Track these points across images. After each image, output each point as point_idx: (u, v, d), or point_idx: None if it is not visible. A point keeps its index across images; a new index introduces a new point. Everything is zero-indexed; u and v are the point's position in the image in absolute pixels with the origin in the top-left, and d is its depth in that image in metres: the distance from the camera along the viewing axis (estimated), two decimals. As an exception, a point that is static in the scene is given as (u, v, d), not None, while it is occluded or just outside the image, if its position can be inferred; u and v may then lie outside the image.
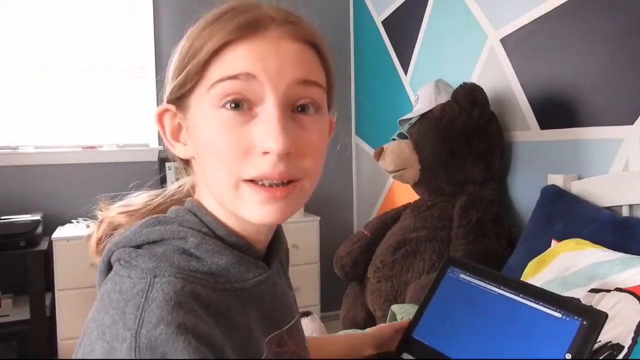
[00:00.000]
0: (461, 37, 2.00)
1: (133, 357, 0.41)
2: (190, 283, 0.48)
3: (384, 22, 2.58)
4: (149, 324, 0.43)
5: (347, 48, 2.91)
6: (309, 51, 0.55)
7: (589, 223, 1.31)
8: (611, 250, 1.14)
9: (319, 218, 2.51)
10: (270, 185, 0.50)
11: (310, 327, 1.31)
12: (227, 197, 0.52)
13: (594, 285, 1.03)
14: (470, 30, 1.93)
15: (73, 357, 0.47)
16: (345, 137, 2.94)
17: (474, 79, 1.91)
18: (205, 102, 0.51)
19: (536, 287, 0.80)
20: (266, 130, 0.49)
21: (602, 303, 0.96)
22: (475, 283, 0.85)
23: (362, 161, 2.86)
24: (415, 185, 1.86)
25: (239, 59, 0.50)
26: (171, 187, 0.66)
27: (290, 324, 0.61)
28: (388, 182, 2.57)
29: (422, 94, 1.86)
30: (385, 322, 1.43)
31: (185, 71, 0.53)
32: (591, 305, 0.73)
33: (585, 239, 1.22)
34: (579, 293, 1.03)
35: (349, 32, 2.91)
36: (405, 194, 2.17)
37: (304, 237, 2.47)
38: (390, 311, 1.42)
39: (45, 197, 2.35)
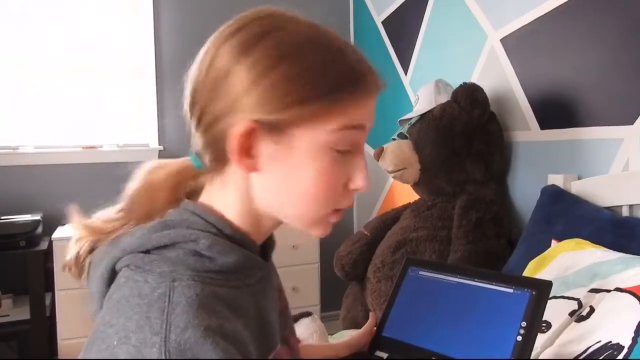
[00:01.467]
0: (461, 37, 2.00)
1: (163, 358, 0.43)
2: (208, 285, 0.50)
3: (384, 22, 2.58)
4: (177, 328, 0.45)
5: (347, 48, 2.91)
6: None
7: (589, 223, 1.31)
8: (611, 250, 1.14)
9: (319, 218, 2.51)
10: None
11: (310, 327, 1.31)
12: (305, 222, 0.58)
13: (594, 285, 1.03)
14: (470, 30, 1.93)
15: None
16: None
17: (474, 79, 1.91)
18: (319, 140, 0.53)
19: (487, 270, 0.90)
20: (363, 175, 0.57)
21: (602, 303, 0.96)
22: (434, 277, 0.92)
23: (362, 161, 2.86)
24: (415, 185, 1.86)
25: (365, 111, 0.55)
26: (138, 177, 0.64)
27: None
28: (388, 182, 2.57)
29: (422, 94, 1.86)
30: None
31: (307, 106, 0.52)
32: (536, 278, 0.84)
33: (585, 239, 1.22)
34: (579, 293, 1.03)
35: (349, 32, 2.91)
36: (405, 194, 2.17)
37: (304, 237, 2.46)
38: None
39: (45, 197, 2.35)
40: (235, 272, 0.55)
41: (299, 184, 0.54)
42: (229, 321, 0.48)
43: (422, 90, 1.88)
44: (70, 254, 0.60)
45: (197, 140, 0.58)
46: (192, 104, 0.57)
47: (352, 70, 0.54)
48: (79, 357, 0.49)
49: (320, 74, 0.52)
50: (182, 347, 0.44)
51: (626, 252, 1.11)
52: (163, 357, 0.43)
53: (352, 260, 1.89)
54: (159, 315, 0.46)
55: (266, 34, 0.54)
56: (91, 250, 0.59)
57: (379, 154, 1.82)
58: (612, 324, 0.90)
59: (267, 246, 0.65)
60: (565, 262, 1.17)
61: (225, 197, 0.58)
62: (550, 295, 0.80)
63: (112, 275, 0.54)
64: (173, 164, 0.63)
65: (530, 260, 1.31)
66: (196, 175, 0.62)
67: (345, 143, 0.54)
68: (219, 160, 0.56)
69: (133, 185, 0.61)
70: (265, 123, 0.52)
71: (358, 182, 0.57)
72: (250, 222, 0.58)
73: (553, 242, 1.32)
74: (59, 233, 2.14)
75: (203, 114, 0.55)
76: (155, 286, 0.49)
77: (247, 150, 0.54)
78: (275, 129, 0.52)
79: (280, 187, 0.55)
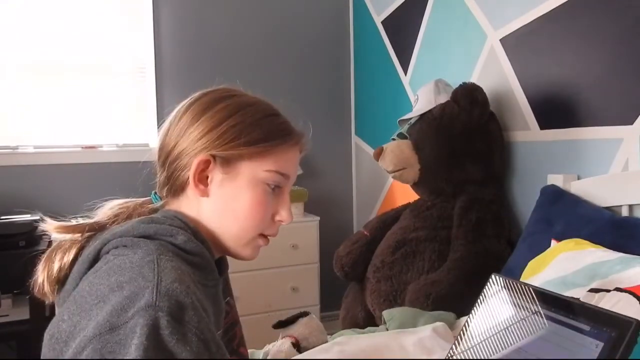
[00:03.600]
0: (461, 37, 2.00)
1: (154, 298, 0.52)
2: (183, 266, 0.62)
3: (384, 22, 2.58)
4: (166, 279, 0.56)
5: (347, 48, 2.91)
6: None
7: (589, 223, 1.31)
8: (611, 250, 1.14)
9: (318, 218, 2.51)
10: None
11: (308, 326, 1.31)
12: (239, 241, 0.73)
13: (594, 285, 1.03)
14: (470, 30, 1.93)
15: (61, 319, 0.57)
16: (344, 137, 2.94)
17: (474, 79, 1.91)
18: (256, 176, 0.71)
19: (569, 299, 0.77)
20: (287, 210, 0.75)
21: (602, 303, 0.96)
22: (509, 299, 0.83)
23: (362, 161, 2.86)
24: (415, 185, 1.86)
25: (288, 162, 0.73)
26: (129, 202, 0.78)
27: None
28: (388, 182, 2.57)
29: (421, 94, 1.86)
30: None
31: (249, 147, 0.70)
32: (620, 315, 0.67)
33: (585, 239, 1.22)
34: (579, 293, 1.03)
35: (349, 32, 2.91)
36: (405, 194, 2.17)
37: (303, 237, 2.46)
38: (382, 315, 1.43)
39: (45, 197, 2.35)
40: (200, 269, 0.66)
41: (238, 207, 0.71)
42: (199, 298, 0.59)
43: (421, 90, 1.87)
44: (41, 276, 0.68)
45: (160, 178, 0.75)
46: (161, 148, 0.74)
47: (282, 128, 0.73)
48: (58, 317, 0.58)
49: (259, 127, 0.71)
50: (171, 293, 0.54)
51: (626, 252, 1.11)
52: (154, 296, 0.53)
53: (352, 260, 1.89)
54: (151, 271, 0.56)
55: (221, 99, 0.73)
56: (75, 259, 0.68)
57: (378, 154, 1.82)
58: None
59: (220, 264, 0.77)
60: (565, 262, 1.17)
61: (191, 217, 0.72)
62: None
63: (97, 257, 0.64)
64: (136, 200, 0.78)
65: (530, 260, 1.31)
66: (152, 209, 0.76)
67: (275, 182, 0.72)
68: (177, 188, 0.73)
69: (107, 207, 0.76)
70: (218, 157, 0.70)
71: (283, 215, 0.74)
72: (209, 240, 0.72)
73: (553, 242, 1.32)
74: (58, 233, 2.14)
75: (170, 154, 0.72)
76: (144, 256, 0.60)
77: (203, 178, 0.71)
78: (225, 162, 0.70)
79: (224, 209, 0.71)
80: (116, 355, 0.50)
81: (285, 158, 0.73)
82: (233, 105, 0.72)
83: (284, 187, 0.74)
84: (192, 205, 0.72)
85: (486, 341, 0.81)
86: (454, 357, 0.85)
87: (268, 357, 1.22)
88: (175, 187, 0.73)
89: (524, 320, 0.78)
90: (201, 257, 0.67)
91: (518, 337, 0.77)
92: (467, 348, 0.83)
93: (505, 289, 0.85)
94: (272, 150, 0.71)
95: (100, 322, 0.52)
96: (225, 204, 0.71)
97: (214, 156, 0.70)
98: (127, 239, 0.64)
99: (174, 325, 0.52)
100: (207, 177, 0.71)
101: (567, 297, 0.79)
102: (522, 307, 0.80)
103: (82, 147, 2.42)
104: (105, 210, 0.76)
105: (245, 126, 0.70)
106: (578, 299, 1.01)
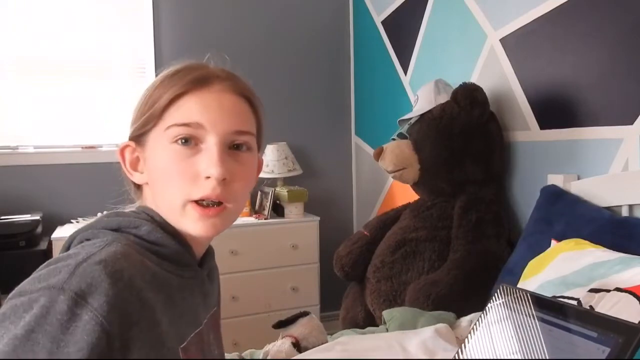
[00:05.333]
0: (461, 37, 2.00)
1: (64, 279, 0.51)
2: (141, 255, 0.60)
3: (384, 22, 2.58)
4: (94, 259, 0.54)
5: (347, 48, 2.91)
6: (244, 103, 0.70)
7: (589, 223, 1.31)
8: (611, 250, 1.14)
9: (318, 218, 2.51)
10: (207, 206, 0.64)
11: (308, 326, 1.31)
12: (175, 214, 0.65)
13: (593, 285, 1.03)
14: (470, 30, 1.93)
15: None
16: (344, 137, 2.94)
17: (474, 79, 1.91)
18: (162, 139, 0.66)
19: (574, 306, 0.78)
20: (209, 161, 0.64)
21: (602, 303, 0.96)
22: (516, 308, 0.83)
23: (362, 161, 2.86)
24: (415, 185, 1.86)
25: (190, 109, 0.65)
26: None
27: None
28: (388, 182, 2.57)
29: (421, 94, 1.86)
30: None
31: (145, 116, 0.67)
32: (626, 321, 0.69)
33: (585, 239, 1.22)
34: (579, 293, 1.03)
35: (349, 32, 2.91)
36: (405, 194, 2.17)
37: (303, 237, 2.47)
38: (382, 316, 1.43)
39: (45, 197, 2.35)
40: (170, 260, 0.64)
41: (157, 176, 0.67)
42: (144, 280, 0.57)
43: (421, 90, 1.87)
44: None
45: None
46: None
47: (172, 86, 0.67)
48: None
49: (152, 95, 0.68)
50: (87, 274, 0.52)
51: (626, 252, 1.11)
52: (65, 278, 0.52)
53: (352, 260, 1.89)
54: (86, 252, 0.56)
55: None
56: None
57: (378, 154, 1.82)
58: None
59: (204, 262, 0.74)
60: (565, 262, 1.17)
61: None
62: (550, 296, 0.79)
63: (68, 246, 0.64)
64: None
65: (530, 260, 1.31)
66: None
67: (181, 135, 0.64)
68: (135, 188, 0.74)
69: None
70: (132, 138, 0.70)
71: (205, 168, 0.64)
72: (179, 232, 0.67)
73: (553, 242, 1.32)
74: (58, 233, 2.14)
75: None
76: (97, 242, 0.59)
77: (134, 165, 0.70)
78: (137, 140, 0.69)
79: (152, 185, 0.68)
80: (10, 321, 0.50)
81: (185, 108, 0.65)
82: (146, 88, 0.70)
83: (203, 138, 0.65)
84: (147, 195, 0.71)
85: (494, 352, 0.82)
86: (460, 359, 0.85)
87: (268, 357, 1.22)
88: (134, 187, 0.73)
89: (530, 329, 0.79)
90: (168, 247, 0.64)
91: (526, 345, 0.78)
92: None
93: (511, 299, 0.85)
94: (167, 109, 0.66)
95: (20, 285, 0.54)
96: (151, 180, 0.68)
97: (130, 138, 0.70)
98: (90, 232, 0.63)
99: (70, 306, 0.50)
100: (138, 163, 0.70)
101: (573, 305, 0.79)
102: (529, 315, 0.80)
103: (82, 147, 2.42)
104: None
105: (141, 102, 0.69)
106: (579, 299, 1.01)
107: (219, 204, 0.65)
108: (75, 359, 0.48)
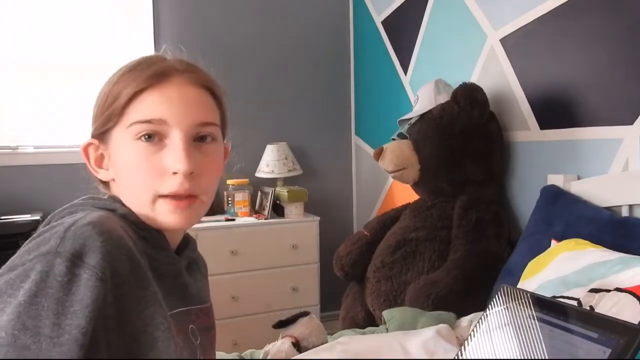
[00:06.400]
0: (461, 37, 2.00)
1: (57, 243, 0.52)
2: (122, 223, 0.61)
3: (384, 22, 2.58)
4: (82, 222, 0.55)
5: (347, 48, 2.91)
6: (206, 94, 0.70)
7: (589, 223, 1.31)
8: (611, 250, 1.14)
9: (318, 218, 2.51)
10: (179, 198, 0.65)
11: (308, 326, 1.31)
12: (145, 209, 0.65)
13: (593, 285, 1.03)
14: (470, 30, 1.93)
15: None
16: (344, 137, 2.94)
17: (474, 79, 1.91)
18: (125, 136, 0.65)
19: (575, 307, 0.78)
20: (175, 156, 0.64)
21: (602, 303, 0.96)
22: (517, 309, 0.83)
23: (362, 161, 2.86)
24: (415, 185, 1.86)
25: (151, 105, 0.65)
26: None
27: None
28: (388, 182, 2.57)
29: (421, 94, 1.86)
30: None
31: (107, 113, 0.66)
32: (627, 322, 0.69)
33: (585, 239, 1.22)
34: (579, 293, 1.03)
35: (349, 32, 2.91)
36: (405, 194, 2.17)
37: (303, 237, 2.46)
38: (382, 316, 1.43)
39: (45, 197, 2.35)
40: (148, 242, 0.64)
41: (123, 173, 0.67)
42: (131, 242, 0.59)
43: (421, 90, 1.88)
44: None
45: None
46: None
47: (128, 84, 0.66)
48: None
49: (111, 93, 0.67)
50: (78, 235, 0.53)
51: (626, 252, 1.11)
52: (57, 243, 0.52)
53: (352, 260, 1.89)
54: (72, 220, 0.56)
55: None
56: None
57: (378, 154, 1.82)
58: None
59: (181, 251, 0.74)
60: (565, 262, 1.17)
61: None
62: (550, 296, 0.79)
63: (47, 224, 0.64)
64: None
65: (530, 260, 1.31)
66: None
67: (143, 132, 0.64)
68: (102, 185, 0.73)
69: None
70: (94, 136, 0.69)
71: (171, 163, 0.64)
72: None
73: (553, 242, 1.32)
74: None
75: None
76: (80, 214, 0.60)
77: (99, 162, 0.70)
78: (100, 138, 0.69)
79: (119, 181, 0.68)
80: (8, 294, 0.50)
81: (146, 104, 0.65)
82: (105, 84, 0.70)
83: (167, 133, 0.65)
84: (115, 191, 0.71)
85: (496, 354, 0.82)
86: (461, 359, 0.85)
87: (268, 357, 1.22)
88: (101, 183, 0.73)
89: (531, 330, 0.79)
90: (144, 229, 0.65)
91: (527, 346, 0.78)
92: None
93: (512, 300, 0.85)
94: (128, 106, 0.65)
95: (7, 263, 0.54)
96: (117, 176, 0.68)
97: (92, 136, 0.70)
98: (68, 210, 0.64)
99: (69, 267, 0.51)
100: (102, 160, 0.70)
101: (574, 305, 0.80)
102: (529, 315, 0.81)
103: (82, 147, 2.42)
104: None
105: (101, 98, 0.68)
106: (579, 299, 1.01)
107: (190, 196, 0.65)
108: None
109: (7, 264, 0.54)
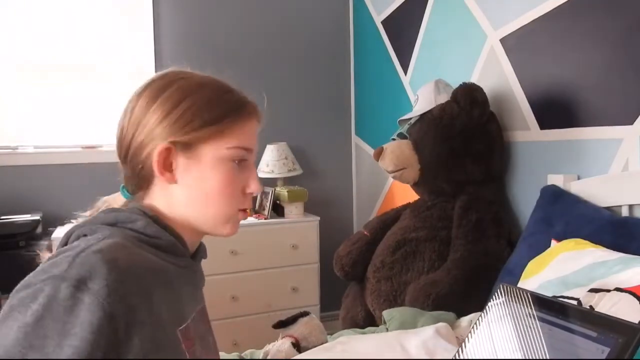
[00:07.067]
0: (461, 37, 2.00)
1: (66, 268, 0.56)
2: (138, 248, 0.64)
3: (384, 22, 2.58)
4: (91, 249, 0.58)
5: (347, 48, 2.91)
6: None
7: (589, 223, 1.31)
8: (611, 250, 1.14)
9: (318, 218, 2.51)
10: (245, 212, 0.76)
11: (308, 326, 1.31)
12: (218, 220, 0.73)
13: (593, 285, 1.03)
14: (470, 31, 1.93)
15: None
16: (344, 137, 2.94)
17: (474, 79, 1.91)
18: (221, 154, 0.71)
19: (574, 306, 0.79)
20: (253, 180, 0.75)
21: (602, 303, 0.96)
22: (516, 308, 0.83)
23: (362, 161, 2.86)
24: (415, 185, 1.86)
25: (249, 134, 0.74)
26: (98, 203, 0.80)
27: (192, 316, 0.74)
28: (388, 182, 2.57)
29: (421, 94, 1.86)
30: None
31: (206, 129, 0.70)
32: (626, 321, 0.69)
33: (585, 239, 1.22)
34: (579, 293, 1.03)
35: (349, 32, 2.91)
36: (405, 194, 2.17)
37: (303, 237, 2.46)
38: (382, 316, 1.43)
39: (45, 197, 2.35)
40: (166, 251, 0.69)
41: (208, 189, 0.71)
42: (141, 268, 0.61)
43: (421, 90, 1.87)
44: None
45: (125, 173, 0.75)
46: (119, 143, 0.75)
47: (236, 104, 0.73)
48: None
49: (214, 105, 0.71)
50: (85, 261, 0.56)
51: (626, 252, 1.11)
52: (66, 267, 0.56)
53: (352, 260, 1.89)
54: (85, 244, 0.60)
55: (171, 83, 0.72)
56: None
57: (378, 154, 1.82)
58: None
59: (197, 252, 0.79)
60: (565, 262, 1.17)
61: (160, 208, 0.73)
62: (550, 296, 0.79)
63: (66, 242, 0.67)
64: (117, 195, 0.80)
65: (530, 260, 1.31)
66: (126, 204, 0.77)
67: (239, 157, 0.73)
68: (144, 181, 0.73)
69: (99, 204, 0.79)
70: (178, 143, 0.70)
71: (252, 186, 0.75)
72: (173, 225, 0.72)
73: (553, 242, 1.32)
74: (58, 233, 2.14)
75: (129, 149, 0.73)
76: (95, 237, 0.63)
77: (167, 166, 0.71)
78: (186, 147, 0.70)
79: (195, 192, 0.72)
80: (18, 311, 0.54)
81: (244, 132, 0.73)
82: (184, 87, 0.72)
83: (249, 159, 0.75)
84: (163, 194, 0.72)
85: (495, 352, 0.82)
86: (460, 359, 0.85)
87: (268, 357, 1.22)
88: (143, 180, 0.73)
89: (530, 329, 0.79)
90: (163, 239, 0.68)
91: (526, 344, 0.78)
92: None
93: (511, 298, 0.85)
94: (230, 127, 0.72)
95: (25, 279, 0.58)
96: (195, 188, 0.71)
97: (174, 142, 0.70)
98: (87, 227, 0.66)
99: (73, 292, 0.54)
100: (172, 164, 0.71)
101: (573, 305, 0.80)
102: (529, 314, 0.80)
103: (82, 147, 2.42)
104: (99, 204, 0.79)
105: (199, 107, 0.70)
106: (579, 299, 1.01)
107: None
108: (81, 335, 0.53)
109: (25, 279, 0.58)
